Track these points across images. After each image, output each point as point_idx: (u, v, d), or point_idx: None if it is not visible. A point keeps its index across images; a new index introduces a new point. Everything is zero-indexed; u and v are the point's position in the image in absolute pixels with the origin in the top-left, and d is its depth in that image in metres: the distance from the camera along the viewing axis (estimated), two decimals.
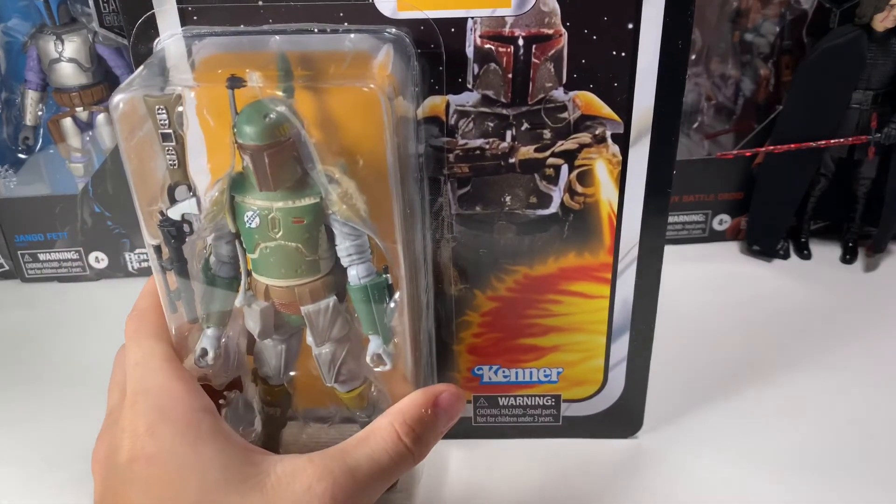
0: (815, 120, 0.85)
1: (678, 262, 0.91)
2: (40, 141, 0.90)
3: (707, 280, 0.89)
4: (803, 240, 0.93)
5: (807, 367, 0.74)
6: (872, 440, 0.66)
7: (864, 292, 0.86)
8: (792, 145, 0.85)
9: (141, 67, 0.48)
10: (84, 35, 0.85)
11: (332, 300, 0.49)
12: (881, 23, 0.80)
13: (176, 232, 0.47)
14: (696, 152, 0.94)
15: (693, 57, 0.91)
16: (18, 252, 0.91)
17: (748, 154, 0.90)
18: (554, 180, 0.55)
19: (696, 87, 0.93)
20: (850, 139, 0.85)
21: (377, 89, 0.44)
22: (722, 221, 0.95)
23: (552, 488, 0.63)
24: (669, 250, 0.92)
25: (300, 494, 0.44)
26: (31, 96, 0.87)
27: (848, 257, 0.91)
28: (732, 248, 0.95)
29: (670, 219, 0.92)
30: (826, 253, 0.93)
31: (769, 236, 0.92)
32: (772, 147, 0.86)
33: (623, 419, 0.66)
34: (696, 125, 0.94)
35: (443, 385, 0.51)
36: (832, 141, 0.84)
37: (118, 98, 0.44)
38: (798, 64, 0.86)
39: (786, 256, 0.92)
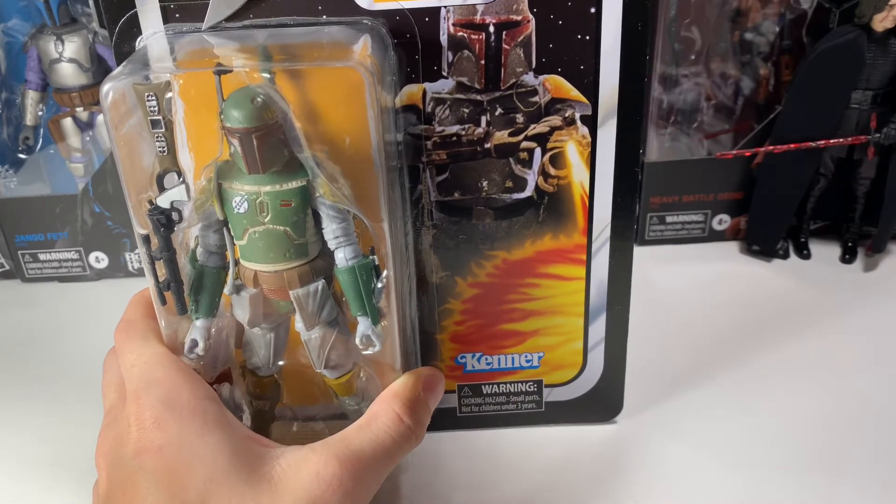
0: (815, 120, 0.85)
1: (678, 262, 0.92)
2: (40, 141, 0.90)
3: (706, 280, 0.89)
4: (803, 240, 0.93)
5: (806, 366, 0.74)
6: (870, 438, 0.66)
7: (863, 292, 0.86)
8: (792, 145, 0.85)
9: (124, 63, 0.49)
10: (84, 35, 0.85)
11: (320, 283, 0.50)
12: (881, 23, 0.80)
13: (165, 220, 0.47)
14: (696, 152, 0.94)
15: (693, 56, 0.90)
16: (19, 252, 0.91)
17: (748, 154, 0.90)
18: (528, 164, 0.56)
19: (696, 86, 0.93)
20: (850, 139, 0.85)
21: (359, 65, 0.45)
22: (721, 221, 0.94)
23: (537, 478, 0.63)
24: (669, 250, 0.94)
25: (307, 482, 0.45)
26: (32, 96, 0.87)
27: (847, 257, 0.91)
28: (732, 247, 0.95)
29: (670, 219, 0.93)
30: (826, 253, 0.92)
31: (769, 236, 0.91)
32: (771, 147, 0.86)
33: (603, 402, 0.66)
34: (695, 125, 0.94)
35: (425, 368, 0.55)
36: (832, 141, 0.84)
37: (107, 87, 0.45)
38: (798, 64, 0.86)
39: (785, 256, 0.92)
